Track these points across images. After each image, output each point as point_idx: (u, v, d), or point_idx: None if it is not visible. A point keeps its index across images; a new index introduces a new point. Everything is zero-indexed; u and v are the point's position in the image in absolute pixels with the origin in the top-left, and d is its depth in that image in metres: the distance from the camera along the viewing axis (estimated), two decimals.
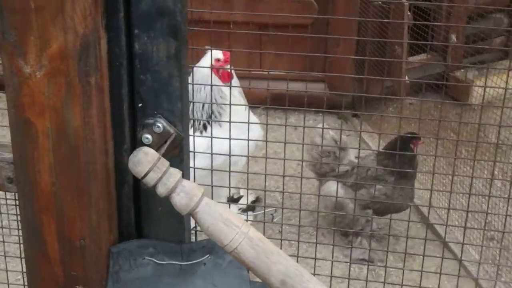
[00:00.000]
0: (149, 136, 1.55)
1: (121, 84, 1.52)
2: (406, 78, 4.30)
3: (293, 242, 3.50)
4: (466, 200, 3.15)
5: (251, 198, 3.76)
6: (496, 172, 4.01)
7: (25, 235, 1.61)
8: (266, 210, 2.86)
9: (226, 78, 3.25)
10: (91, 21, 1.41)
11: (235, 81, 3.26)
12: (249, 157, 2.32)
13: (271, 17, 4.21)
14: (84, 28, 1.42)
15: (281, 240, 1.97)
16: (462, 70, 4.83)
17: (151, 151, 1.48)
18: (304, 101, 2.00)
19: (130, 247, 1.65)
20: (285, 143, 1.91)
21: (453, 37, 4.60)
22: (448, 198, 2.19)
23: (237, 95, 3.24)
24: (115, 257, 1.63)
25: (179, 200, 1.47)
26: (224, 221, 1.48)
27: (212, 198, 2.67)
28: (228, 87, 3.21)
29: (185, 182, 1.48)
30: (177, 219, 1.63)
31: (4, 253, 2.43)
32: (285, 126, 1.90)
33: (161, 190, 1.47)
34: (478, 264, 2.90)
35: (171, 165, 1.54)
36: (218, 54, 3.17)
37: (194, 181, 1.51)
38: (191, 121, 3.16)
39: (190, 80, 3.14)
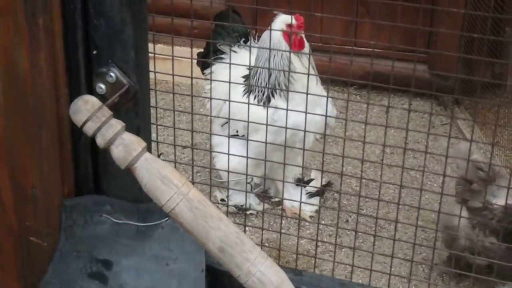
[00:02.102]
0: (102, 86, 1.60)
1: (75, 28, 1.58)
2: None
3: (360, 233, 3.44)
4: None
5: (323, 182, 3.73)
6: None
7: None
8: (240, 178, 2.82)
9: (298, 45, 3.20)
10: None
11: (306, 50, 3.23)
12: (324, 136, 2.29)
13: None
14: None
15: (355, 232, 1.92)
16: None
17: (92, 99, 1.52)
18: (402, 82, 1.82)
19: (86, 202, 1.71)
20: (365, 124, 1.77)
21: None
22: None
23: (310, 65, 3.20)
24: (68, 211, 1.69)
25: (117, 153, 1.51)
26: (163, 179, 1.50)
27: (275, 178, 2.67)
28: (298, 56, 3.18)
29: (125, 134, 1.52)
30: (134, 176, 1.66)
31: None
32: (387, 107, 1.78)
33: (100, 141, 1.51)
34: None
35: (126, 118, 1.58)
36: (288, 18, 3.12)
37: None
38: (255, 91, 3.16)
39: (258, 44, 3.12)
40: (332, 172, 3.74)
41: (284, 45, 3.10)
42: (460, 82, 4.26)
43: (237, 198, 3.35)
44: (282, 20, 3.11)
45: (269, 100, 3.16)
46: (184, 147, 3.46)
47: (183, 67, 1.75)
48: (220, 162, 3.16)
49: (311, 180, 3.71)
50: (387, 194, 3.76)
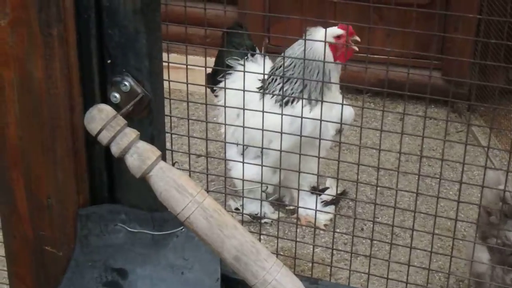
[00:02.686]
0: (116, 95, 1.60)
1: (89, 38, 1.59)
2: None
3: (375, 242, 3.44)
4: None
5: (338, 190, 3.72)
6: None
7: None
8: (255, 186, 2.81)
9: (348, 56, 3.16)
10: None
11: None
12: (340, 144, 2.29)
13: None
14: None
15: (371, 240, 1.91)
16: None
17: (106, 108, 1.53)
18: (416, 89, 1.80)
19: (101, 211, 1.71)
20: (381, 131, 1.73)
21: None
22: None
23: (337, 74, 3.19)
24: (84, 220, 1.70)
25: (132, 162, 1.51)
26: (178, 188, 1.50)
27: (290, 186, 2.64)
28: (334, 66, 3.14)
29: (140, 143, 1.52)
30: (149, 185, 1.66)
31: None
32: (403, 115, 1.74)
33: (115, 149, 1.52)
34: None
35: (140, 127, 1.58)
36: (336, 30, 3.07)
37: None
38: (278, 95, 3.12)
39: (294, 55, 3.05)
40: (347, 180, 3.74)
41: (331, 59, 3.07)
42: (475, 88, 4.25)
43: (251, 207, 3.35)
44: (330, 33, 3.06)
45: (286, 104, 3.13)
46: (198, 155, 3.47)
47: (196, 76, 1.76)
48: (236, 171, 3.17)
49: (326, 188, 3.71)
50: (402, 202, 3.76)
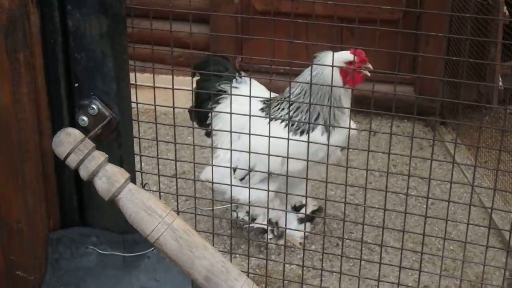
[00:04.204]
0: (84, 118, 1.61)
1: (56, 62, 1.60)
2: (500, 83, 4.11)
3: (349, 258, 3.45)
4: None
5: (313, 207, 3.73)
6: None
7: None
8: (227, 206, 2.80)
9: (357, 82, 3.06)
10: None
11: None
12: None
13: (355, 11, 4.17)
14: (10, 2, 1.50)
15: (341, 256, 1.92)
16: None
17: (74, 131, 1.54)
18: (390, 104, 1.82)
19: (72, 234, 1.72)
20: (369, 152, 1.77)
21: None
22: None
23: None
24: (55, 244, 1.70)
25: (101, 185, 1.52)
26: (147, 210, 1.52)
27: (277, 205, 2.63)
28: (345, 91, 3.04)
29: (108, 166, 1.53)
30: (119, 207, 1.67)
31: None
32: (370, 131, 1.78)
33: (83, 173, 1.53)
34: None
35: (109, 149, 1.60)
36: (347, 55, 2.99)
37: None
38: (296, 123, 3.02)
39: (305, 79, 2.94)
40: (318, 198, 3.75)
41: (340, 83, 2.98)
42: (447, 102, 4.30)
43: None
44: (341, 58, 2.96)
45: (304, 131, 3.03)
46: (170, 176, 3.45)
47: (170, 95, 1.76)
48: (240, 195, 3.04)
49: (303, 205, 3.71)
50: (377, 217, 3.78)
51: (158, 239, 1.51)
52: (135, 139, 1.69)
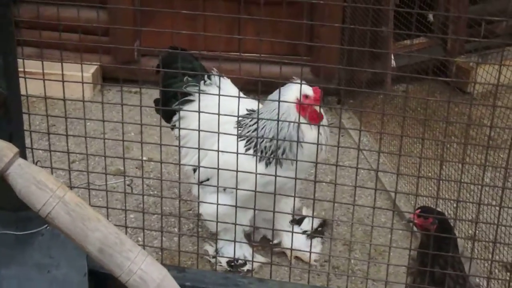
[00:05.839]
0: None
1: None
2: (393, 63, 4.23)
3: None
4: None
5: (317, 222, 3.47)
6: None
7: None
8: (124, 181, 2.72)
9: (315, 118, 2.92)
10: None
11: (324, 122, 2.97)
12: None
13: None
14: None
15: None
16: (462, 56, 4.73)
17: None
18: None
19: None
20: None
21: (430, 16, 4.50)
22: None
23: (323, 135, 2.95)
24: None
25: None
26: (37, 184, 1.50)
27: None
28: (309, 126, 2.91)
29: None
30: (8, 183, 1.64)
31: None
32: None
33: None
34: None
35: None
36: (307, 89, 2.87)
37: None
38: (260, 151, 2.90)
39: (268, 111, 2.81)
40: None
41: (294, 116, 2.85)
42: (344, 82, 4.40)
43: (229, 250, 3.07)
44: (296, 90, 2.82)
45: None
46: (62, 151, 3.20)
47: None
48: (203, 208, 2.88)
49: (304, 218, 3.44)
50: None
51: (50, 213, 1.50)
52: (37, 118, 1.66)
